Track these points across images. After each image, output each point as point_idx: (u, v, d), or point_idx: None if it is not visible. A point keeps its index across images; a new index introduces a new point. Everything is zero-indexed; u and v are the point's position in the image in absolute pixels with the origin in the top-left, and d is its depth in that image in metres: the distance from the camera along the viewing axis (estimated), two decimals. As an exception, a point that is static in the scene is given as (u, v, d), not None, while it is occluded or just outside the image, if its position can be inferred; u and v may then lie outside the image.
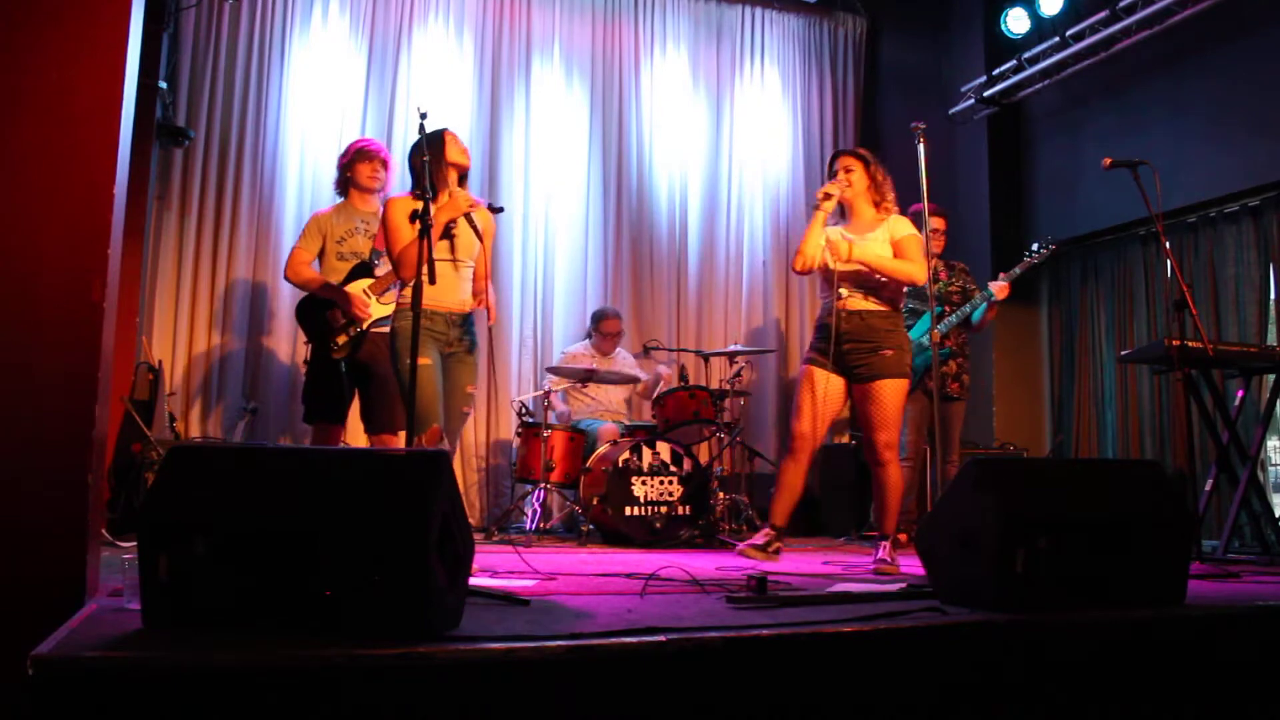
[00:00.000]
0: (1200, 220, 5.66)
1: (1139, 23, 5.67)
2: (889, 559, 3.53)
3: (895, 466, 3.59)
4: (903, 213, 3.85)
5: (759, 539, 3.68)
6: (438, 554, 1.75)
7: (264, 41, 5.92)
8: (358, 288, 4.14)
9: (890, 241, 3.67)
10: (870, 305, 3.66)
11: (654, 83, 6.86)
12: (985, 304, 4.86)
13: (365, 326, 4.11)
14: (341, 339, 4.10)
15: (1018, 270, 4.87)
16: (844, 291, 3.67)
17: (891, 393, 3.58)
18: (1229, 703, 2.14)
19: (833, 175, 3.78)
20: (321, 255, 4.27)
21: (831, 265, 3.67)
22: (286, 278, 4.34)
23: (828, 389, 3.65)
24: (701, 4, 7.07)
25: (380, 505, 1.77)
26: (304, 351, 5.67)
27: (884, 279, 3.66)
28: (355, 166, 4.31)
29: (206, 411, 5.59)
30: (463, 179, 3.52)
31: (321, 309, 4.16)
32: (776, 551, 3.67)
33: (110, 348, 2.22)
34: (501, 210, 3.68)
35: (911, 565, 3.50)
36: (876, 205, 3.74)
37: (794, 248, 6.93)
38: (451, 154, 3.45)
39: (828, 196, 3.68)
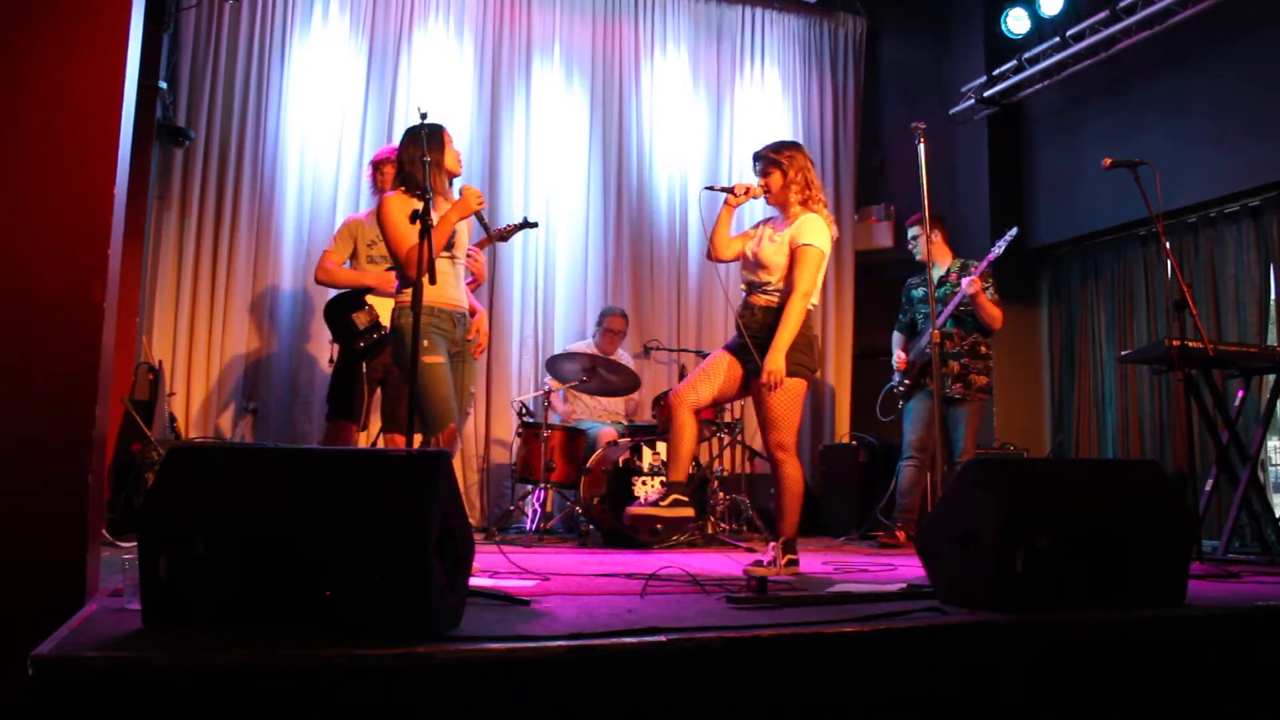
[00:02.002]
0: (1200, 220, 5.66)
1: (1139, 23, 5.66)
2: (767, 561, 3.37)
3: (790, 465, 3.46)
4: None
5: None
6: (438, 554, 1.75)
7: (264, 41, 5.92)
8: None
9: (790, 246, 3.55)
10: (766, 301, 3.58)
11: (654, 83, 6.85)
12: (957, 298, 4.91)
13: (387, 330, 4.16)
14: (365, 341, 4.16)
15: (985, 263, 4.93)
16: (744, 288, 3.69)
17: (780, 391, 3.44)
18: (1229, 703, 2.14)
19: (757, 174, 3.71)
20: (354, 258, 4.38)
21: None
22: (317, 279, 4.41)
23: (725, 368, 3.57)
24: (701, 4, 7.07)
25: (381, 505, 1.77)
26: (305, 351, 5.70)
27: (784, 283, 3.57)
28: (378, 174, 4.46)
29: (206, 411, 5.59)
30: (449, 182, 3.54)
31: (347, 311, 4.23)
32: (675, 503, 3.43)
33: (110, 348, 2.22)
34: (536, 225, 3.68)
35: (912, 565, 3.50)
36: (794, 203, 3.62)
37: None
38: (448, 160, 3.45)
39: (732, 193, 3.68)
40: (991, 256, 4.92)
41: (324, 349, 5.73)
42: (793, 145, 3.71)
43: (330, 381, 4.40)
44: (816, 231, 3.54)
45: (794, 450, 3.49)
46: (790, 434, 3.47)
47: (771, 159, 3.64)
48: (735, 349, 3.62)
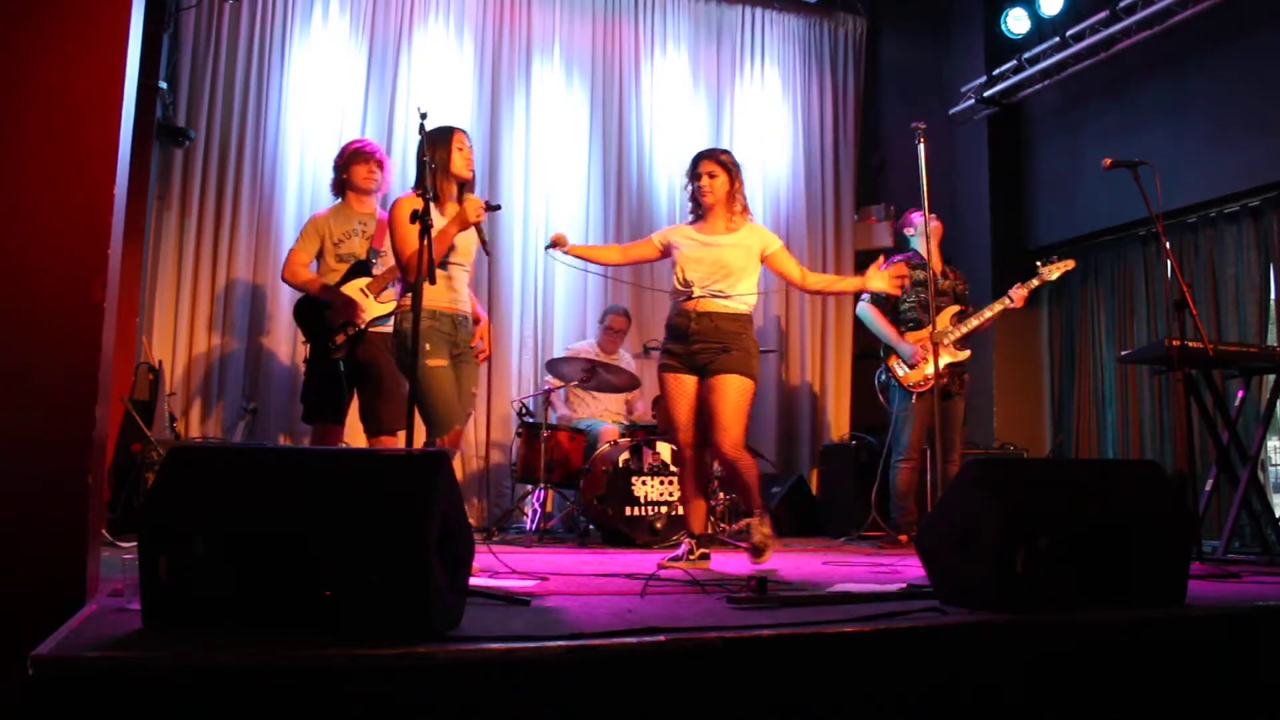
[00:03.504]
0: (1200, 220, 5.66)
1: (1139, 23, 5.66)
2: (760, 544, 3.55)
3: (746, 459, 3.60)
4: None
5: (680, 550, 3.64)
6: (438, 554, 1.75)
7: (264, 41, 5.92)
8: (354, 287, 4.12)
9: (762, 255, 3.69)
10: (720, 308, 3.62)
11: (654, 83, 6.86)
12: (999, 308, 4.87)
13: (363, 325, 4.10)
14: (340, 338, 4.08)
15: (1035, 282, 4.86)
16: (697, 292, 3.64)
17: (735, 389, 3.54)
18: (1229, 703, 2.14)
19: (695, 177, 3.74)
20: (320, 256, 4.24)
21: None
22: (284, 279, 4.30)
23: (684, 393, 3.66)
24: (701, 4, 7.07)
25: (380, 505, 1.77)
26: (303, 351, 5.69)
27: (740, 289, 3.65)
28: (351, 168, 4.25)
29: (206, 411, 5.59)
30: (462, 188, 3.46)
31: (319, 309, 4.13)
32: (704, 557, 3.62)
33: (110, 348, 2.22)
34: (499, 208, 3.67)
35: (912, 565, 3.50)
36: (735, 211, 3.73)
37: (793, 247, 6.98)
38: (456, 165, 3.42)
39: (557, 244, 3.75)
40: (1044, 280, 4.86)
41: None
42: (732, 154, 3.85)
43: (304, 382, 4.28)
44: (774, 235, 3.81)
45: (744, 444, 3.62)
46: (743, 430, 3.60)
47: (722, 161, 3.75)
48: (687, 362, 3.64)
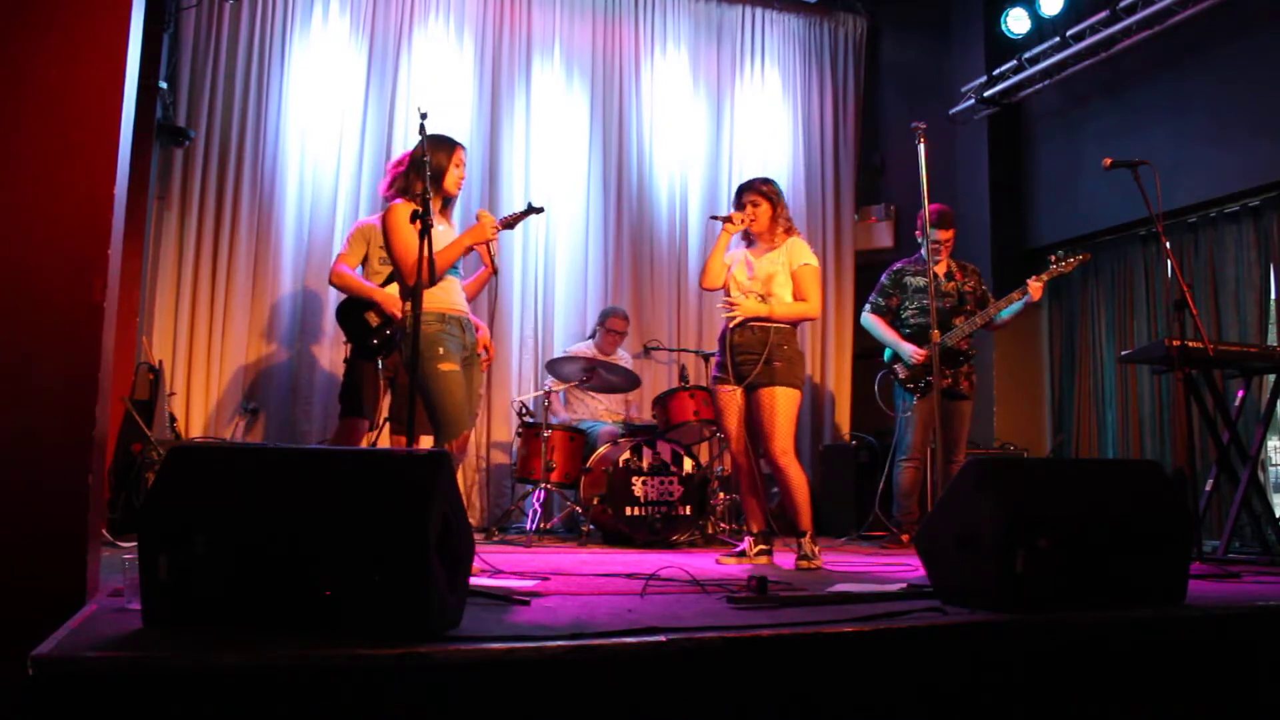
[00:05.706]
0: (1200, 220, 5.66)
1: (1139, 23, 5.67)
2: (810, 554, 3.63)
3: (794, 468, 3.73)
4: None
5: (742, 546, 3.84)
6: (438, 554, 1.75)
7: (264, 41, 5.92)
8: (395, 287, 4.24)
9: (789, 270, 3.83)
10: (762, 320, 3.81)
11: (654, 83, 6.85)
12: (1021, 304, 4.82)
13: (405, 328, 4.20)
14: (377, 340, 4.22)
15: (1048, 275, 4.82)
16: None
17: (779, 401, 3.72)
18: (1229, 702, 2.14)
19: (739, 208, 3.93)
20: (365, 261, 4.48)
21: (728, 315, 3.87)
22: (331, 282, 4.54)
23: (733, 404, 3.84)
24: (701, 4, 7.07)
25: (380, 505, 1.77)
26: (305, 351, 5.71)
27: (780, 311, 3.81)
28: (411, 176, 4.40)
29: (206, 411, 5.58)
30: (447, 204, 3.64)
31: (360, 310, 4.32)
32: (764, 553, 3.79)
33: (110, 348, 2.22)
34: (541, 210, 3.78)
35: (912, 565, 3.50)
36: (777, 233, 3.90)
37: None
38: (449, 180, 3.53)
39: (730, 221, 3.87)
40: (1058, 273, 4.83)
41: (324, 349, 5.74)
42: (774, 181, 4.02)
43: (343, 379, 4.48)
44: (809, 252, 3.90)
45: (794, 454, 3.77)
46: (790, 440, 3.75)
47: (763, 191, 3.90)
48: (732, 374, 3.82)
